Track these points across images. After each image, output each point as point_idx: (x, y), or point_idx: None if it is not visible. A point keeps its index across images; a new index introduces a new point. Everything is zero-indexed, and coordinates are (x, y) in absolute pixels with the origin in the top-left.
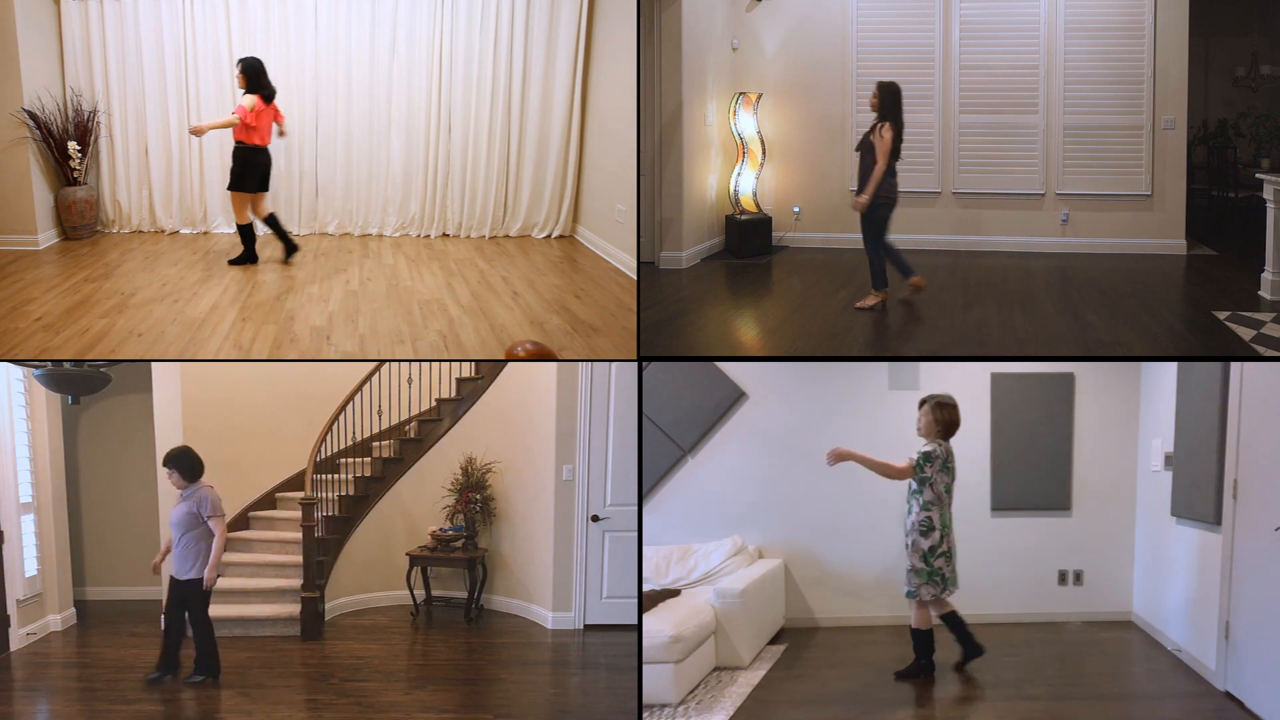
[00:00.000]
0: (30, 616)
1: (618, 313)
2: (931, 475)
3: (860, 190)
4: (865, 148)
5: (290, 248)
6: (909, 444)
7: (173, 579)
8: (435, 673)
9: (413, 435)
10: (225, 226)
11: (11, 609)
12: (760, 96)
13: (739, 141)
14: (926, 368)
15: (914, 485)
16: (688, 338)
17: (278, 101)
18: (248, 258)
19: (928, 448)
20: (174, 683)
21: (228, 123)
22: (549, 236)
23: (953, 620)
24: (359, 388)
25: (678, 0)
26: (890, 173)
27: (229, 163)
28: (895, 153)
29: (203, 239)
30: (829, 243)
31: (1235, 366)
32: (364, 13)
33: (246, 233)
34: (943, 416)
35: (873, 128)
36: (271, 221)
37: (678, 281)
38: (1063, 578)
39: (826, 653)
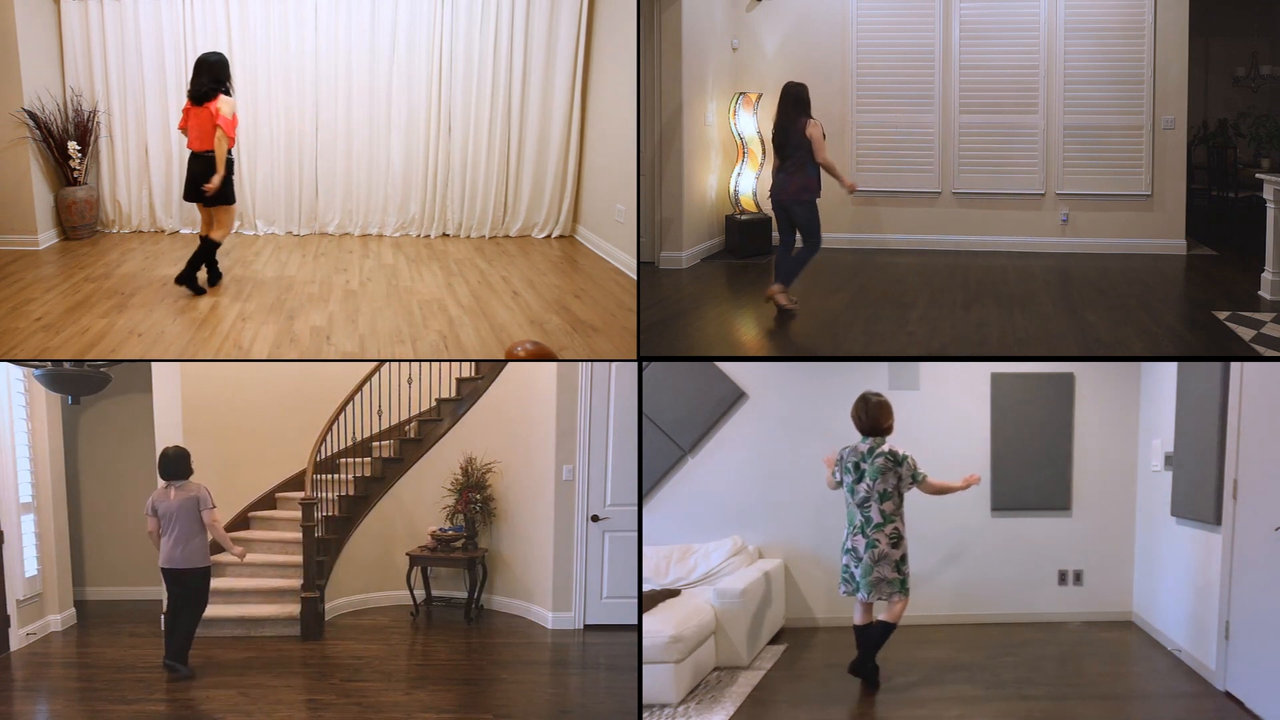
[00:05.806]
0: (30, 616)
1: (618, 313)
2: (840, 478)
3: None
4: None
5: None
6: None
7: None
8: (435, 673)
9: (413, 435)
10: None
11: (11, 609)
12: (760, 96)
13: (739, 141)
14: (926, 368)
15: None
16: (688, 338)
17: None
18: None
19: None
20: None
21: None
22: (549, 236)
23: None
24: (359, 388)
25: (678, 0)
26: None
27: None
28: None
29: None
30: (828, 242)
31: (1235, 366)
32: (364, 13)
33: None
34: (853, 413)
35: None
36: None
37: (678, 281)
38: (1063, 578)
39: (826, 653)
